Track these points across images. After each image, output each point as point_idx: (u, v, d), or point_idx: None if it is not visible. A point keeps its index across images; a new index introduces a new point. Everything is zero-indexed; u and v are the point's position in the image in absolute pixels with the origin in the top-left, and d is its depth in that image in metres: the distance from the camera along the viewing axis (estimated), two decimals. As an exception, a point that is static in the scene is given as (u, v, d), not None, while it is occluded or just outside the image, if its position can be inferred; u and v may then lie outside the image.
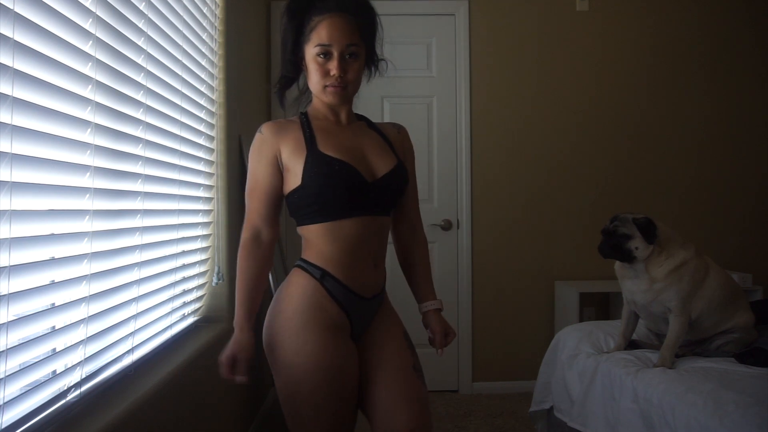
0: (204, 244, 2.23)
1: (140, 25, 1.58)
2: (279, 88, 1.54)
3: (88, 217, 1.29)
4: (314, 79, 1.42)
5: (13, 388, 1.07)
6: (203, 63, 2.18)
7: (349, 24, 1.39)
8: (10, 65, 1.00)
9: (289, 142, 1.42)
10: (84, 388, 1.31)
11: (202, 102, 2.17)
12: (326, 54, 1.39)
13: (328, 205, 1.40)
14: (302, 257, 1.46)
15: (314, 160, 1.38)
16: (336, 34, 1.37)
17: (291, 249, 3.52)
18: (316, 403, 1.38)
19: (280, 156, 1.42)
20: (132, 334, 1.55)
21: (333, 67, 1.39)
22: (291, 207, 1.45)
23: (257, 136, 1.45)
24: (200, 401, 1.95)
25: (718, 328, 2.17)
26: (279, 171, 1.43)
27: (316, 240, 1.42)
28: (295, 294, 1.41)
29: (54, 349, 1.21)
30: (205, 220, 2.23)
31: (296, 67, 1.48)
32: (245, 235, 1.43)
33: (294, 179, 1.40)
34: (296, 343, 1.37)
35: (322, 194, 1.38)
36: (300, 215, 1.44)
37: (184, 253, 1.98)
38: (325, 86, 1.41)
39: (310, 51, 1.40)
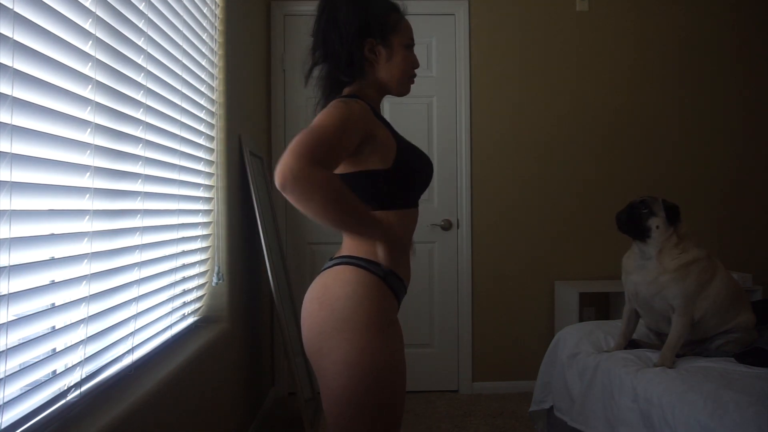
0: (204, 244, 2.23)
1: (140, 25, 1.58)
2: (339, 72, 1.40)
3: (88, 217, 1.29)
4: (405, 69, 1.43)
5: (13, 388, 1.07)
6: (203, 63, 2.18)
7: None
8: (10, 65, 1.00)
9: (380, 123, 1.37)
10: (84, 388, 1.31)
11: (202, 102, 2.17)
12: (411, 48, 1.44)
13: (413, 190, 1.41)
14: (352, 254, 1.35)
15: (403, 143, 1.39)
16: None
17: (291, 250, 3.52)
18: (387, 403, 1.30)
19: (371, 134, 1.32)
20: (132, 334, 1.55)
21: (417, 61, 1.45)
22: (367, 190, 1.33)
23: (354, 105, 1.28)
24: (200, 401, 1.95)
25: (720, 328, 2.17)
26: (357, 147, 1.31)
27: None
28: (353, 293, 1.30)
29: (54, 349, 1.21)
30: (205, 220, 2.23)
31: (358, 54, 1.38)
32: (303, 163, 1.10)
33: (383, 160, 1.33)
34: (360, 340, 1.28)
35: (414, 178, 1.39)
36: (377, 199, 1.34)
37: (184, 253, 1.98)
38: (412, 77, 1.45)
39: (400, 41, 1.41)
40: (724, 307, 2.14)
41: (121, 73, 1.45)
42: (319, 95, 1.45)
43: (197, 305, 2.23)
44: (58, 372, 1.23)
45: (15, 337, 1.06)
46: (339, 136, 1.21)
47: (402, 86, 1.45)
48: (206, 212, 2.24)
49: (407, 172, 1.37)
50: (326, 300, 1.32)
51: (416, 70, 1.48)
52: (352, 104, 1.29)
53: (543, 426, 2.67)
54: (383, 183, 1.33)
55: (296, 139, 1.15)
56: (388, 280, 1.35)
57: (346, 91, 1.42)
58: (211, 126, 2.30)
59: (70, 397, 1.26)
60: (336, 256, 1.38)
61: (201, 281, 2.22)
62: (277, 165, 1.12)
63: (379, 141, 1.32)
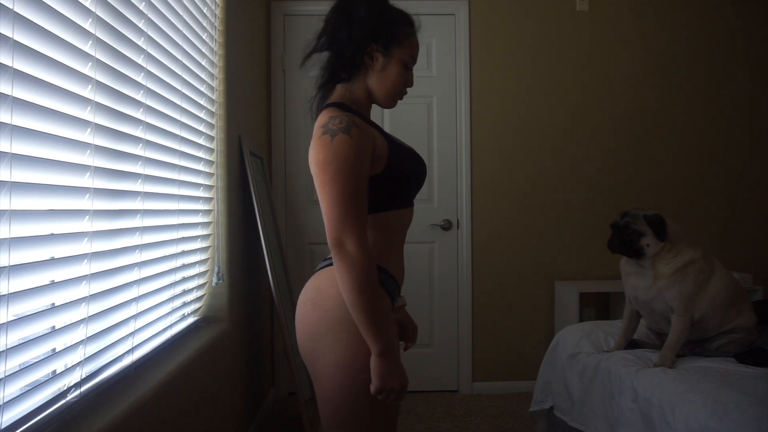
0: (204, 244, 2.23)
1: (140, 25, 1.58)
2: (335, 69, 1.39)
3: (88, 217, 1.29)
4: (396, 84, 1.39)
5: (13, 388, 1.07)
6: (203, 63, 2.18)
7: None
8: (10, 65, 1.00)
9: (375, 131, 1.36)
10: (84, 388, 1.31)
11: (202, 102, 2.17)
12: (410, 66, 1.41)
13: (407, 193, 1.40)
14: None
15: (394, 146, 1.38)
16: (419, 50, 1.44)
17: (291, 250, 3.52)
18: (380, 403, 1.28)
19: (374, 147, 1.32)
20: (132, 334, 1.55)
21: (412, 79, 1.42)
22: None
23: (354, 132, 1.27)
24: (200, 401, 1.95)
25: (720, 328, 2.17)
26: None
27: (378, 228, 1.35)
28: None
29: (54, 349, 1.21)
30: (205, 220, 2.23)
31: (360, 54, 1.37)
32: (361, 249, 1.22)
33: (376, 166, 1.32)
34: (353, 341, 1.27)
35: (406, 180, 1.38)
36: (372, 202, 1.32)
37: (184, 253, 1.98)
38: (401, 93, 1.42)
39: (400, 56, 1.38)
40: (723, 307, 2.14)
41: (121, 73, 1.45)
42: (316, 85, 1.44)
43: (197, 305, 2.23)
44: (58, 372, 1.23)
45: (15, 337, 1.06)
46: (361, 184, 1.26)
47: (388, 100, 1.42)
48: (206, 212, 2.24)
49: (399, 175, 1.36)
50: (319, 301, 1.32)
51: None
52: (354, 133, 1.26)
53: (543, 426, 2.67)
54: (377, 187, 1.33)
55: (332, 206, 1.23)
56: (381, 280, 1.33)
57: (337, 92, 1.40)
58: (211, 126, 2.30)
59: (70, 397, 1.25)
60: (329, 256, 1.37)
61: (201, 281, 2.22)
62: (327, 231, 1.23)
63: (376, 151, 1.33)
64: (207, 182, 2.25)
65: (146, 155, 1.61)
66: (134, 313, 1.56)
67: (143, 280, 1.61)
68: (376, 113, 3.35)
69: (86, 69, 1.27)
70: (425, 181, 1.51)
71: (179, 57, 1.90)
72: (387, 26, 1.37)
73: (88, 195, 1.29)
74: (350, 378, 1.28)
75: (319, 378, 1.32)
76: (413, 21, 1.42)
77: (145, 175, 1.61)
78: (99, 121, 1.33)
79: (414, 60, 1.41)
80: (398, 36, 1.38)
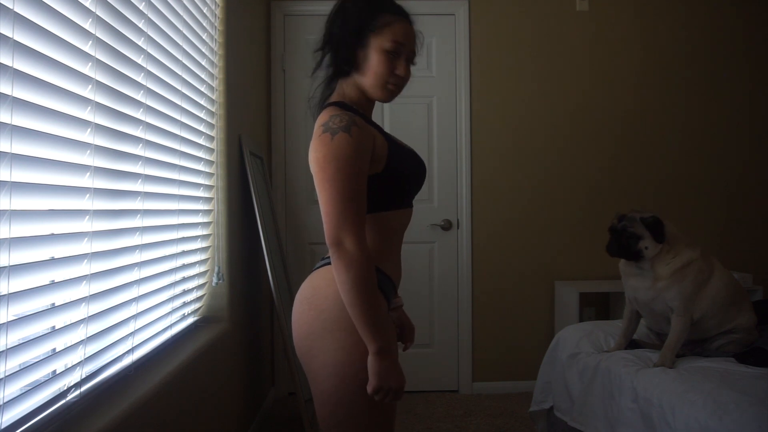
0: (204, 244, 2.23)
1: (140, 25, 1.58)
2: (333, 70, 1.40)
3: (88, 217, 1.29)
4: (378, 72, 1.35)
5: (13, 388, 1.07)
6: (203, 63, 2.18)
7: (416, 34, 1.41)
8: (10, 65, 1.00)
9: (375, 131, 1.35)
10: (84, 388, 1.31)
11: (202, 102, 2.17)
12: (395, 53, 1.36)
13: (406, 193, 1.39)
14: None
15: (394, 147, 1.37)
16: (410, 37, 1.38)
17: (291, 250, 3.52)
18: (377, 403, 1.28)
19: (373, 146, 1.32)
20: (132, 334, 1.55)
21: (401, 67, 1.37)
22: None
23: (354, 131, 1.27)
24: (200, 401, 1.95)
25: (720, 328, 2.17)
26: None
27: (376, 227, 1.35)
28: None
29: (54, 349, 1.21)
30: (205, 220, 2.23)
31: (353, 52, 1.36)
32: (359, 248, 1.22)
33: (375, 166, 1.32)
34: (349, 340, 1.27)
35: (405, 181, 1.38)
36: (372, 201, 1.32)
37: (184, 253, 1.98)
38: (387, 83, 1.37)
39: (379, 44, 1.34)
40: (723, 307, 2.14)
41: (121, 73, 1.45)
42: (324, 84, 1.43)
43: (197, 305, 2.23)
44: (58, 372, 1.23)
45: (15, 337, 1.06)
46: (361, 183, 1.26)
47: (377, 91, 1.38)
48: (206, 212, 2.24)
49: (399, 175, 1.36)
50: (315, 301, 1.32)
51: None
52: (354, 132, 1.26)
53: (543, 426, 2.67)
54: (376, 187, 1.32)
55: (330, 204, 1.23)
56: (377, 280, 1.32)
57: (337, 91, 1.40)
58: (211, 126, 2.30)
59: (70, 397, 1.26)
60: (327, 255, 1.36)
61: (201, 281, 2.22)
62: (326, 229, 1.23)
63: (376, 151, 1.32)
64: (207, 182, 2.25)
65: (146, 155, 1.61)
66: (134, 313, 1.56)
67: (143, 280, 1.61)
68: (376, 113, 3.35)
69: (86, 69, 1.27)
70: (425, 181, 1.50)
71: (179, 57, 1.90)
72: (365, 24, 1.35)
73: (88, 195, 1.29)
74: (347, 378, 1.27)
75: (316, 378, 1.31)
76: (394, 8, 1.38)
77: (145, 175, 1.61)
78: (99, 121, 1.33)
79: (399, 44, 1.35)
80: (371, 25, 1.34)
